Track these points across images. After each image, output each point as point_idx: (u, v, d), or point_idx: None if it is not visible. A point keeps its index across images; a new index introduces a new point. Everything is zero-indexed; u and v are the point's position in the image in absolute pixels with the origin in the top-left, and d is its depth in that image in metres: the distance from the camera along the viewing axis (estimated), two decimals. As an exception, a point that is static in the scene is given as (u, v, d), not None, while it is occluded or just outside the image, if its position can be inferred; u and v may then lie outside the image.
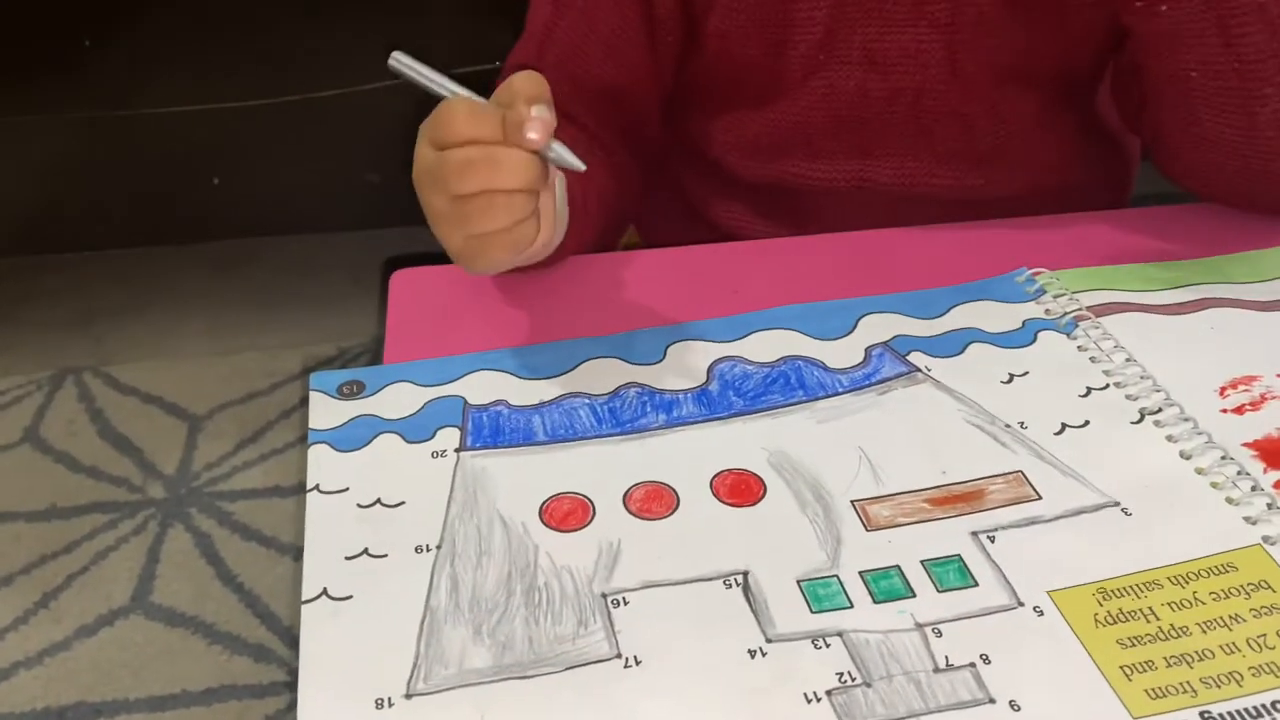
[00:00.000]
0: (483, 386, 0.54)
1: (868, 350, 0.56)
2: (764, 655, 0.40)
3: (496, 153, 0.46)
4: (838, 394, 0.53)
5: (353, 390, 0.54)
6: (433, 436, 0.51)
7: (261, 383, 1.34)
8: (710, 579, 0.43)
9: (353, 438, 0.51)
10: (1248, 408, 0.51)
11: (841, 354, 0.55)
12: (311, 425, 0.52)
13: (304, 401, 1.32)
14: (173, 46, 1.08)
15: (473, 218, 0.47)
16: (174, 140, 1.14)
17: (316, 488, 0.48)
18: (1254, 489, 0.46)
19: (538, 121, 0.45)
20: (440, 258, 0.68)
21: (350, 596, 0.43)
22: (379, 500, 0.47)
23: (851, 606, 0.42)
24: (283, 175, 1.21)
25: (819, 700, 0.38)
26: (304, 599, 0.42)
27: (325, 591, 0.43)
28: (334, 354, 1.35)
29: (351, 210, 1.22)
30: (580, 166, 0.47)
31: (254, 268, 1.43)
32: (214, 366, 1.36)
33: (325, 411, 0.53)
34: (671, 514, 0.47)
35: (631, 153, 0.69)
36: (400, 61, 0.49)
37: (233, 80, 1.11)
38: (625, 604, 0.42)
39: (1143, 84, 0.65)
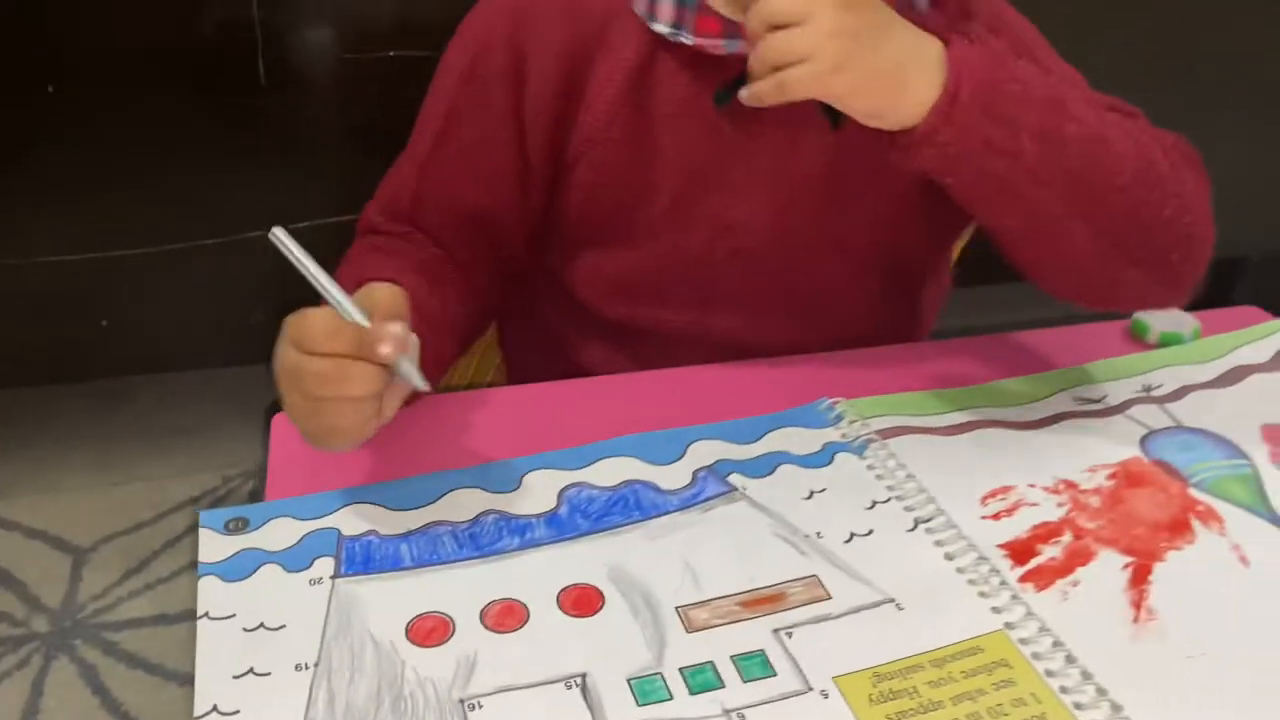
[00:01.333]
0: (355, 518, 0.59)
1: (695, 473, 0.63)
2: (597, 744, 0.47)
3: (349, 368, 0.52)
4: (668, 513, 0.60)
5: (238, 526, 0.59)
6: (310, 565, 0.56)
7: (147, 513, 1.35)
8: (554, 682, 0.49)
9: (238, 569, 0.56)
10: (1003, 514, 0.60)
11: (673, 477, 0.63)
12: (201, 559, 0.57)
13: (190, 530, 1.34)
14: (63, 198, 1.12)
15: (323, 416, 0.54)
16: (63, 286, 1.17)
17: (206, 615, 0.53)
18: (1002, 583, 0.55)
19: (390, 339, 0.52)
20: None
21: (238, 711, 0.48)
22: (262, 624, 0.52)
23: (672, 698, 0.49)
24: (168, 316, 1.24)
25: (641, 779, 0.45)
26: (196, 715, 0.47)
27: (215, 708, 0.48)
28: (218, 483, 1.38)
29: (233, 347, 1.26)
30: (423, 387, 0.54)
31: (138, 403, 1.45)
32: (99, 499, 1.37)
33: (213, 546, 0.57)
34: (522, 627, 0.53)
35: (492, 273, 0.75)
36: (279, 239, 0.54)
37: (121, 230, 1.15)
38: (480, 708, 0.48)
39: None
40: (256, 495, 0.64)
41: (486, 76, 0.70)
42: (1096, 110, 0.65)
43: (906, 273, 0.80)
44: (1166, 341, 0.78)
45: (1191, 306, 0.82)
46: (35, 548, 1.32)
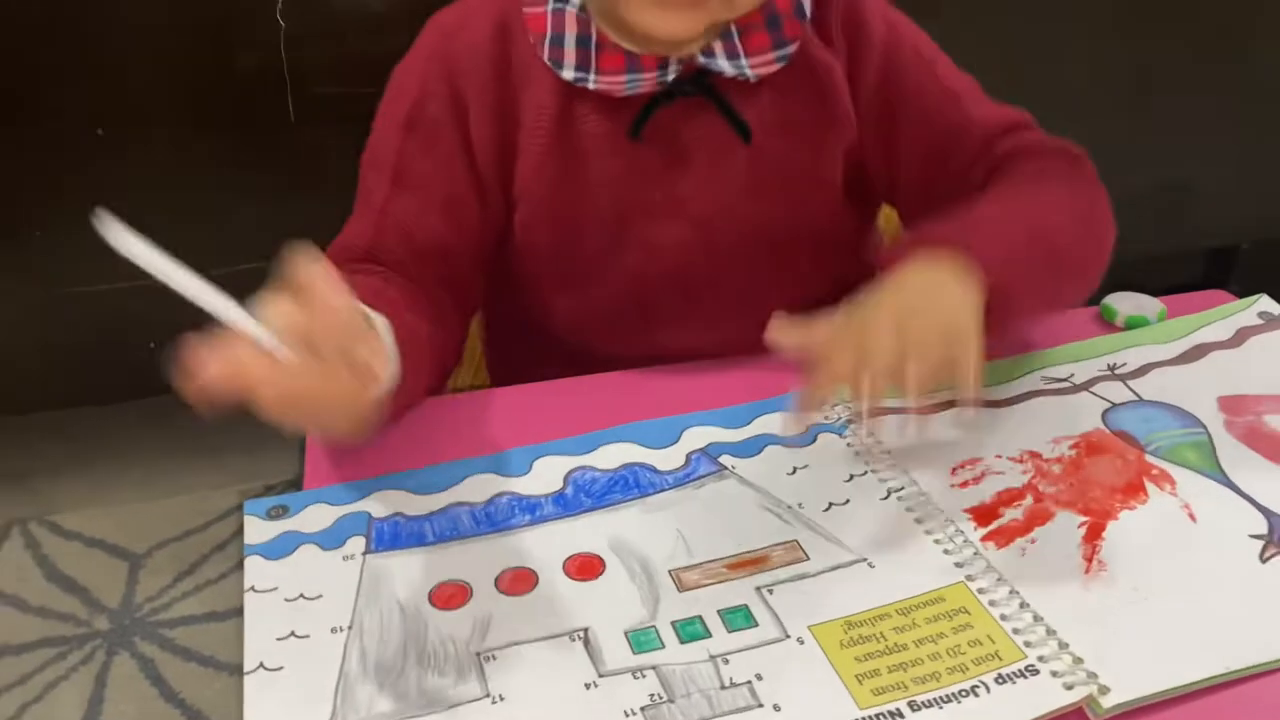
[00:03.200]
0: (383, 503, 0.64)
1: (688, 455, 0.68)
2: (596, 686, 0.52)
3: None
4: (664, 490, 0.65)
5: (279, 512, 0.64)
6: (344, 544, 0.61)
7: (196, 521, 1.42)
8: (559, 635, 0.55)
9: (279, 549, 0.61)
10: (970, 483, 0.65)
11: (669, 459, 0.67)
12: (246, 541, 0.62)
13: (235, 535, 1.41)
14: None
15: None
16: (115, 312, 1.24)
17: (252, 588, 0.58)
18: (965, 542, 0.60)
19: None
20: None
21: (281, 667, 0.53)
22: (301, 595, 0.58)
23: (664, 647, 0.54)
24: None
25: (636, 714, 0.50)
26: (245, 670, 0.53)
27: (262, 664, 0.53)
28: (260, 491, 1.44)
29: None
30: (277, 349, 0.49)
31: (185, 420, 1.52)
32: (151, 510, 1.44)
33: (257, 530, 0.63)
34: (532, 591, 0.58)
35: (456, 307, 0.75)
36: (113, 231, 0.42)
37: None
38: (494, 659, 0.53)
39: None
40: (297, 491, 0.69)
41: (428, 121, 0.72)
42: (1042, 193, 0.71)
43: (831, 251, 0.81)
44: (1132, 324, 0.82)
45: (1169, 292, 0.86)
46: (95, 555, 1.39)
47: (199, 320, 1.36)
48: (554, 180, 0.74)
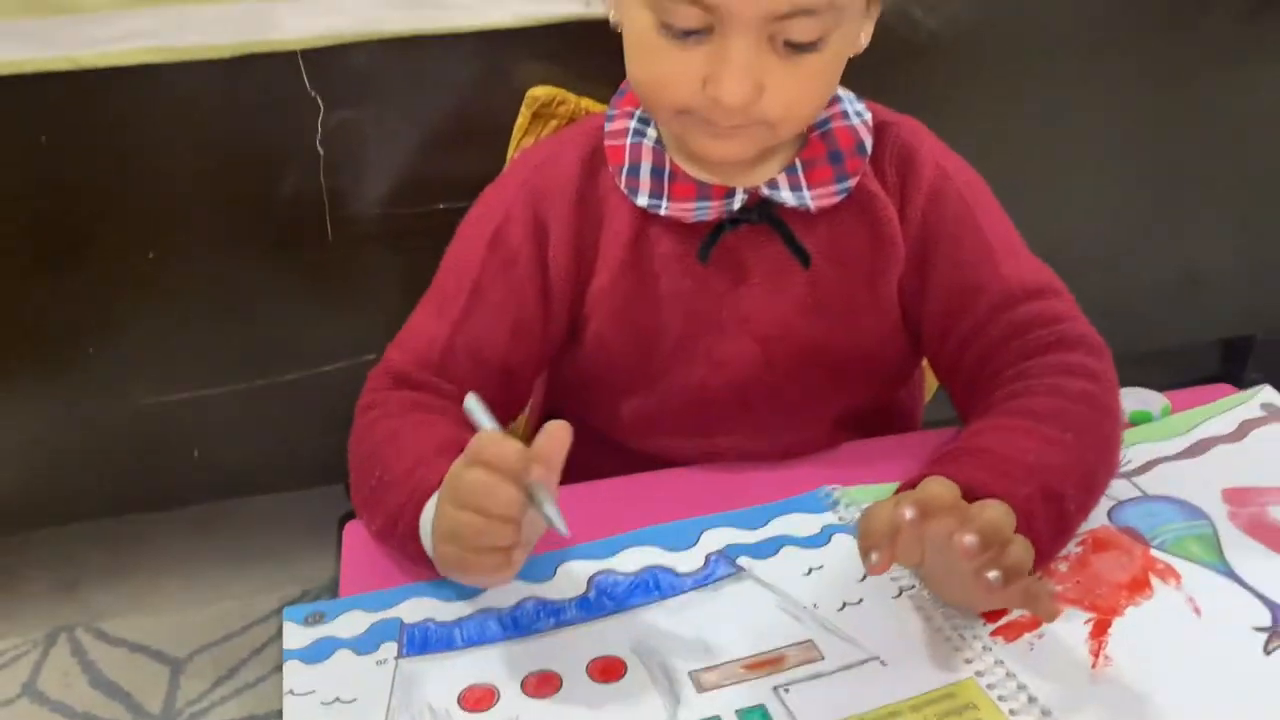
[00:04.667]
0: (415, 609, 0.66)
1: (707, 557, 0.70)
2: (618, 786, 0.53)
3: (497, 487, 0.58)
4: (683, 593, 0.67)
5: (316, 619, 0.67)
6: (377, 649, 0.63)
7: (236, 625, 1.45)
8: (583, 737, 0.57)
9: (317, 654, 0.63)
10: (980, 580, 0.67)
11: (688, 561, 0.69)
12: (285, 646, 0.64)
13: (273, 639, 1.43)
14: (161, 348, 1.24)
15: (469, 566, 0.61)
16: (159, 423, 1.28)
17: (291, 691, 0.61)
18: (974, 637, 0.61)
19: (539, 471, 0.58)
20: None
21: (318, 770, 0.55)
22: (338, 698, 0.60)
23: (683, 747, 0.55)
24: (253, 444, 1.34)
25: (656, 814, 0.51)
26: (284, 774, 0.55)
27: (299, 767, 0.55)
28: (299, 595, 1.47)
29: (309, 471, 1.36)
30: (564, 530, 0.57)
31: (225, 526, 1.57)
32: (193, 615, 1.47)
33: (295, 636, 0.65)
34: (557, 693, 0.60)
35: (502, 421, 0.80)
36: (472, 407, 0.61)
37: (210, 371, 1.27)
38: (520, 759, 0.55)
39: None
40: (332, 595, 0.71)
41: (510, 244, 0.78)
42: (1061, 433, 0.68)
43: (880, 370, 0.85)
44: (1136, 420, 0.84)
45: (1184, 383, 0.88)
46: (137, 660, 1.41)
47: (237, 432, 1.40)
48: (627, 296, 0.79)
